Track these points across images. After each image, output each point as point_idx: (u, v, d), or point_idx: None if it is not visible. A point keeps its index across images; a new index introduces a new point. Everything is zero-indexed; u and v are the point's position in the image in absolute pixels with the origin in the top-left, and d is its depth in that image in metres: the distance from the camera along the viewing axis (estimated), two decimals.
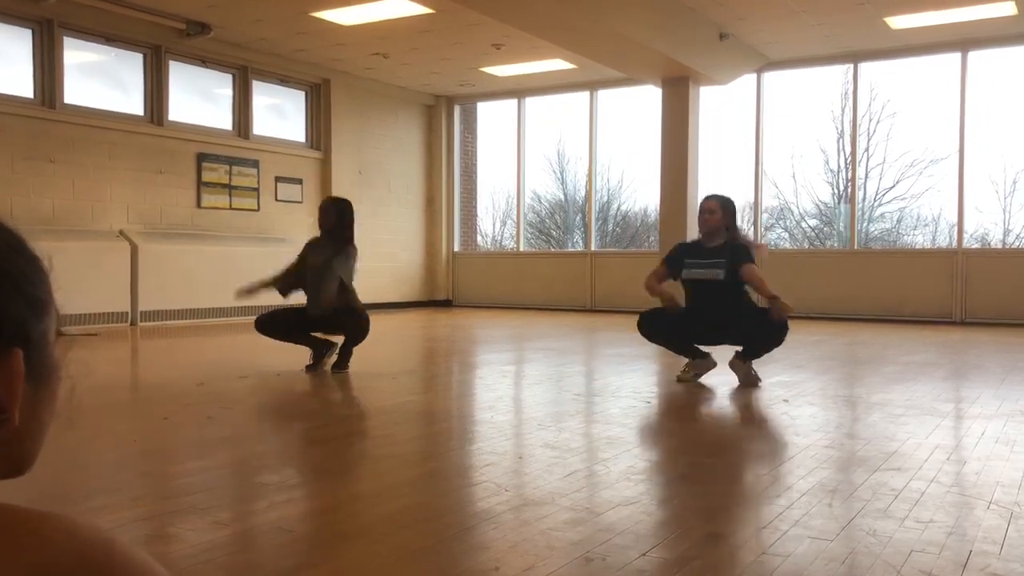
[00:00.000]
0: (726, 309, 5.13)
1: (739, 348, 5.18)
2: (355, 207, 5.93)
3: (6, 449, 0.61)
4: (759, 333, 5.05)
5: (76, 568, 0.54)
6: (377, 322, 6.55)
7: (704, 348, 5.33)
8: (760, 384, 5.13)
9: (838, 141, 12.45)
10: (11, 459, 0.62)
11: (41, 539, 0.54)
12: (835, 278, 10.70)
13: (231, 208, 10.36)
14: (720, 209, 5.19)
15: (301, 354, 6.68)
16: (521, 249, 13.18)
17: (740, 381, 5.14)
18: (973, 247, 10.74)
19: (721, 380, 5.42)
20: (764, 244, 5.27)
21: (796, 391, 4.96)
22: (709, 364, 5.32)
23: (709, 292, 5.15)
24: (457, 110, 13.39)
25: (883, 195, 12.52)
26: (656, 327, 5.38)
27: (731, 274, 5.08)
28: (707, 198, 5.32)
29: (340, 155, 11.59)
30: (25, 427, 0.61)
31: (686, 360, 5.38)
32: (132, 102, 9.45)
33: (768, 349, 5.15)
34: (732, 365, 5.18)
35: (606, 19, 7.84)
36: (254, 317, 6.00)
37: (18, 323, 0.59)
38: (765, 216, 11.76)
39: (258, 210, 10.68)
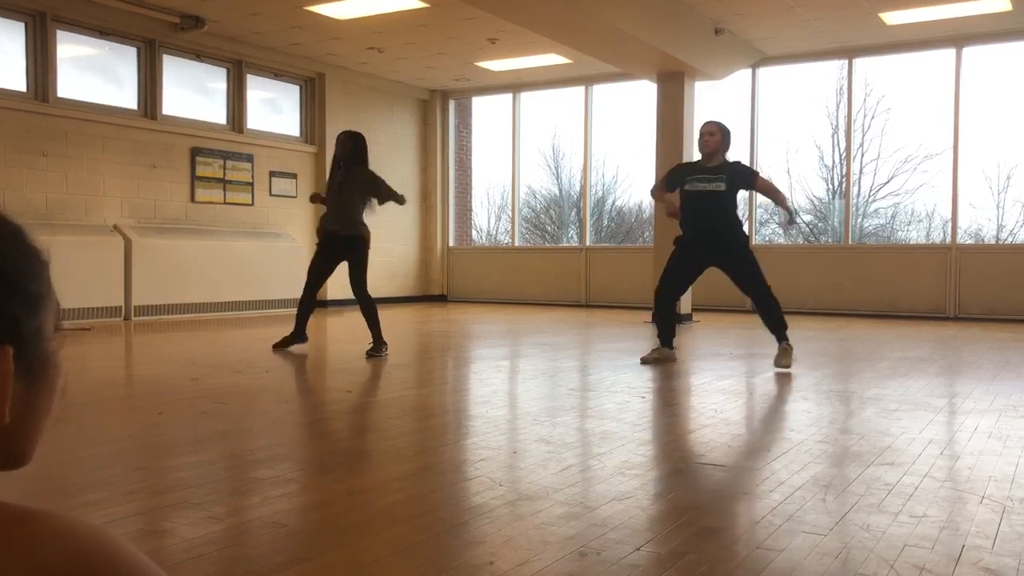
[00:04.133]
0: (723, 216, 5.78)
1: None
2: None
3: (0, 445, 0.61)
4: (755, 297, 5.78)
5: (69, 568, 0.53)
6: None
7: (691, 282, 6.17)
8: (789, 369, 5.51)
9: (833, 136, 12.47)
10: (7, 454, 0.62)
11: (33, 538, 0.53)
12: (829, 274, 10.72)
13: (225, 202, 10.33)
14: (719, 132, 5.84)
15: (295, 349, 6.67)
16: (516, 244, 13.17)
17: (776, 364, 5.64)
18: (967, 243, 10.76)
19: (714, 375, 5.43)
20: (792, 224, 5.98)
21: (790, 386, 4.97)
22: (670, 357, 5.98)
23: (708, 201, 5.77)
24: (452, 105, 13.37)
25: (877, 190, 12.54)
26: (668, 287, 6.00)
27: (733, 187, 5.76)
28: (706, 123, 5.92)
29: (334, 149, 11.54)
30: (19, 423, 0.60)
31: (656, 346, 6.04)
32: (126, 96, 9.41)
33: (778, 319, 5.69)
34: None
35: (601, 14, 7.83)
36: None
37: (10, 321, 0.59)
38: (760, 211, 11.77)
39: (252, 204, 10.65)
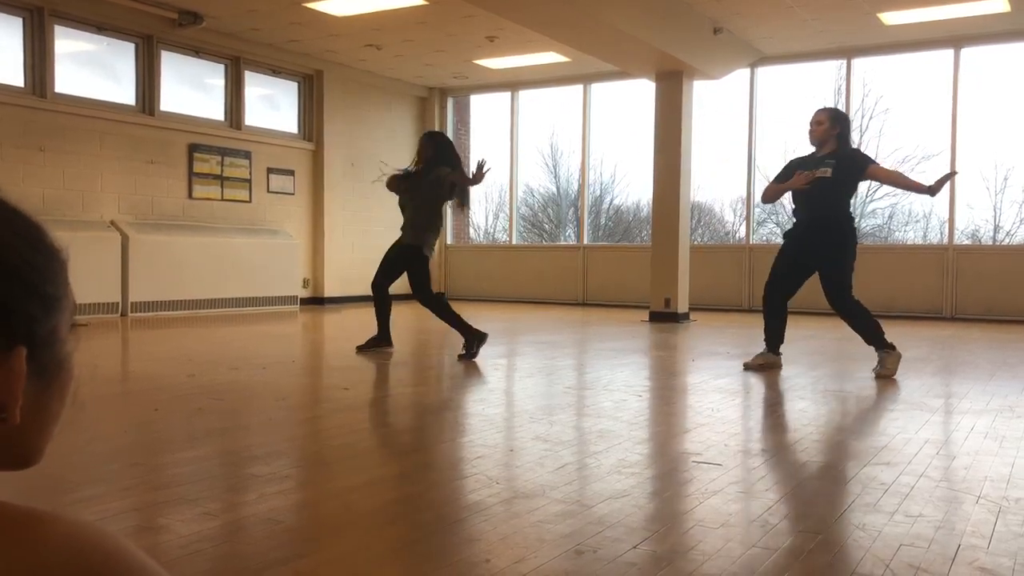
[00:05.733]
0: (829, 206, 5.36)
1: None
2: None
3: (9, 445, 0.60)
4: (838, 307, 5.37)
5: (70, 571, 0.53)
6: (370, 315, 6.56)
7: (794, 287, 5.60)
8: (891, 376, 5.20)
9: None
10: (16, 455, 0.61)
11: (35, 540, 0.53)
12: None
13: (223, 199, 10.32)
14: (828, 120, 5.47)
15: (291, 347, 6.67)
16: (513, 242, 13.17)
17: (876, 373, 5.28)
18: (964, 243, 10.78)
19: (711, 374, 5.43)
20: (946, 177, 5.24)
21: (787, 386, 4.97)
22: (775, 363, 5.55)
23: (816, 188, 5.35)
24: (450, 102, 13.36)
25: (875, 191, 12.55)
26: (773, 288, 5.63)
27: (843, 174, 5.32)
28: (816, 112, 5.57)
29: (332, 147, 11.55)
30: (29, 424, 0.60)
31: (761, 351, 5.63)
32: (124, 92, 9.40)
33: (866, 332, 5.36)
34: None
35: (600, 13, 7.82)
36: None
37: (25, 321, 0.58)
38: (757, 211, 11.78)
39: (250, 201, 10.64)
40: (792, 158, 5.72)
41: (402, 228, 6.26)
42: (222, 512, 2.47)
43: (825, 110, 5.56)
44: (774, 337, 5.58)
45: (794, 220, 5.63)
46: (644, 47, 8.80)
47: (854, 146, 5.60)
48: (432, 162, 6.15)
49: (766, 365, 5.52)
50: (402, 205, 6.27)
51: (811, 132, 5.50)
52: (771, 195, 5.72)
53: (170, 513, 2.42)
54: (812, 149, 5.58)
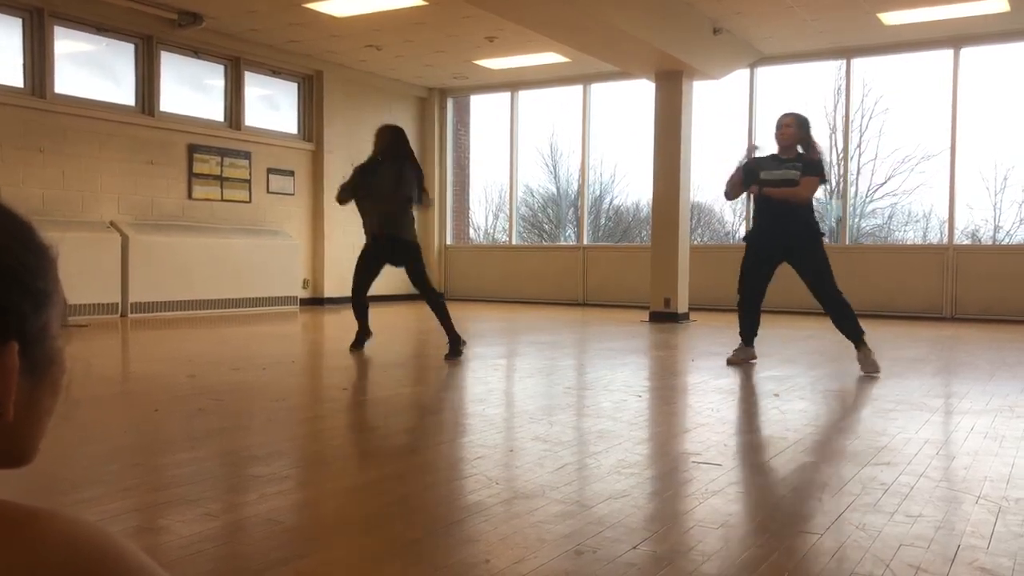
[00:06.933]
0: (795, 208, 5.61)
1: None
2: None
3: (3, 442, 0.60)
4: (823, 298, 5.64)
5: (69, 570, 0.53)
6: (370, 315, 6.57)
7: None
8: (877, 374, 5.32)
9: (830, 137, 12.47)
10: (10, 452, 0.61)
11: (34, 539, 0.53)
12: None
13: (222, 200, 10.32)
14: (795, 124, 5.70)
15: (291, 347, 6.66)
16: (513, 243, 13.17)
17: (862, 371, 5.43)
18: (964, 243, 10.78)
19: (711, 374, 5.43)
20: None
21: (787, 385, 4.97)
22: (752, 355, 5.87)
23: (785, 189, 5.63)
24: (450, 103, 13.36)
25: (875, 191, 12.56)
26: (748, 282, 5.87)
27: (805, 174, 5.61)
28: (783, 115, 5.77)
29: (332, 147, 11.55)
30: (22, 420, 0.60)
31: (738, 346, 5.91)
32: (123, 92, 9.40)
33: (845, 325, 5.59)
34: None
35: (600, 13, 7.82)
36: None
37: (16, 317, 0.59)
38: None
39: (250, 202, 10.64)
40: (752, 158, 5.88)
41: (378, 224, 6.16)
42: (223, 513, 2.47)
43: (792, 115, 5.77)
44: (751, 332, 5.89)
45: (760, 221, 5.81)
46: (644, 47, 8.80)
47: (820, 148, 5.85)
48: (389, 152, 6.19)
49: (747, 358, 5.83)
50: (366, 198, 6.19)
51: (780, 135, 5.72)
52: (737, 191, 5.91)
53: (171, 514, 2.42)
54: (773, 150, 5.80)
